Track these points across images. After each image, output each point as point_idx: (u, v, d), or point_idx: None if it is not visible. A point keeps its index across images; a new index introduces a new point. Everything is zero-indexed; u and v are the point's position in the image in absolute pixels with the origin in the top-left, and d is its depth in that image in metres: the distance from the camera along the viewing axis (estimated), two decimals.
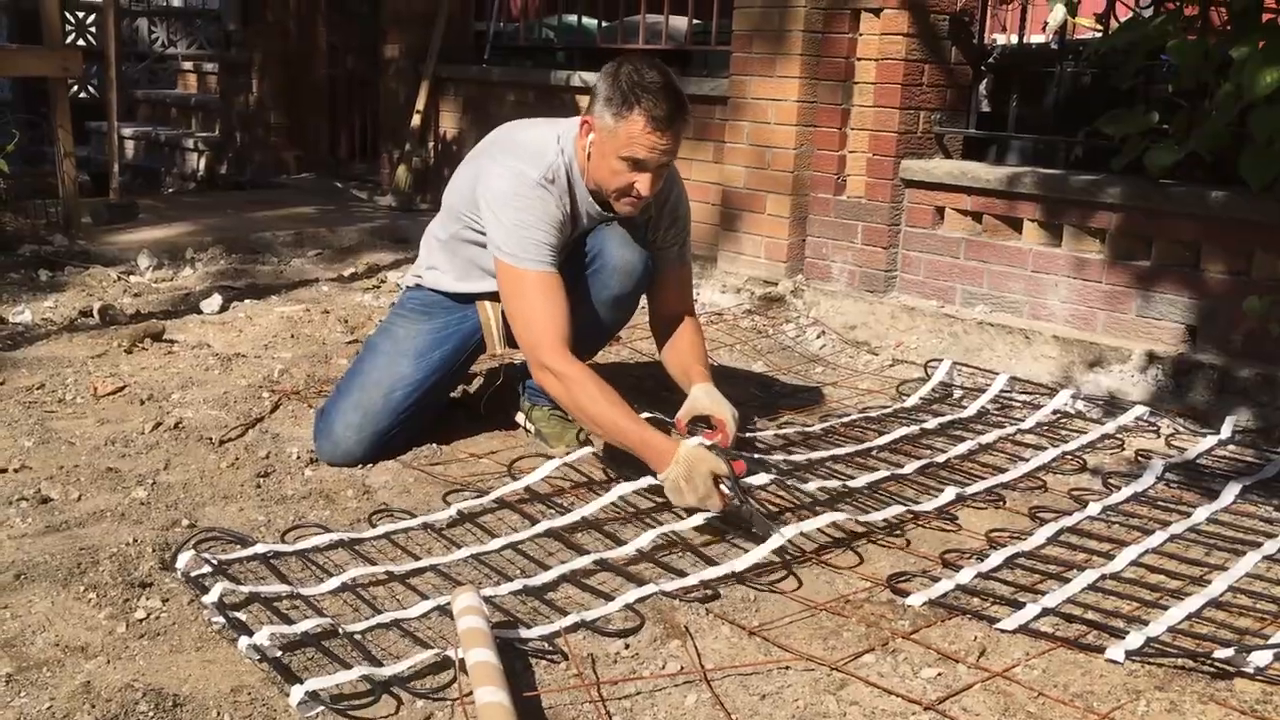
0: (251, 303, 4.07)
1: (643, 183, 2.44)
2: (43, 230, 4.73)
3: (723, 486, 2.25)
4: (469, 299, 2.70)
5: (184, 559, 2.02)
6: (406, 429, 2.67)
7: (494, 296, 2.63)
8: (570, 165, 2.52)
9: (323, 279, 4.53)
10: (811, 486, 2.49)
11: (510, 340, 2.66)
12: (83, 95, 9.83)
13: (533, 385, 2.79)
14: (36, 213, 4.94)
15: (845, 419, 3.08)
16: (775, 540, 2.19)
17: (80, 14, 10.70)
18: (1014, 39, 3.95)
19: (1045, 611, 2.00)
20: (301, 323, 3.82)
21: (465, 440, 2.82)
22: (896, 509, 2.43)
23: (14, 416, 2.81)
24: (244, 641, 1.76)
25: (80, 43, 10.49)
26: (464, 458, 2.72)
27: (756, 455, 2.68)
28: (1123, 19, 3.46)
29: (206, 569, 2.01)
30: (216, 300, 3.95)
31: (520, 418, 2.92)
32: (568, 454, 2.63)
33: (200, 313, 3.91)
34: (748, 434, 2.87)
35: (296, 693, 1.63)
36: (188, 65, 9.87)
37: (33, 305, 3.85)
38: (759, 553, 2.16)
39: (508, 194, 2.47)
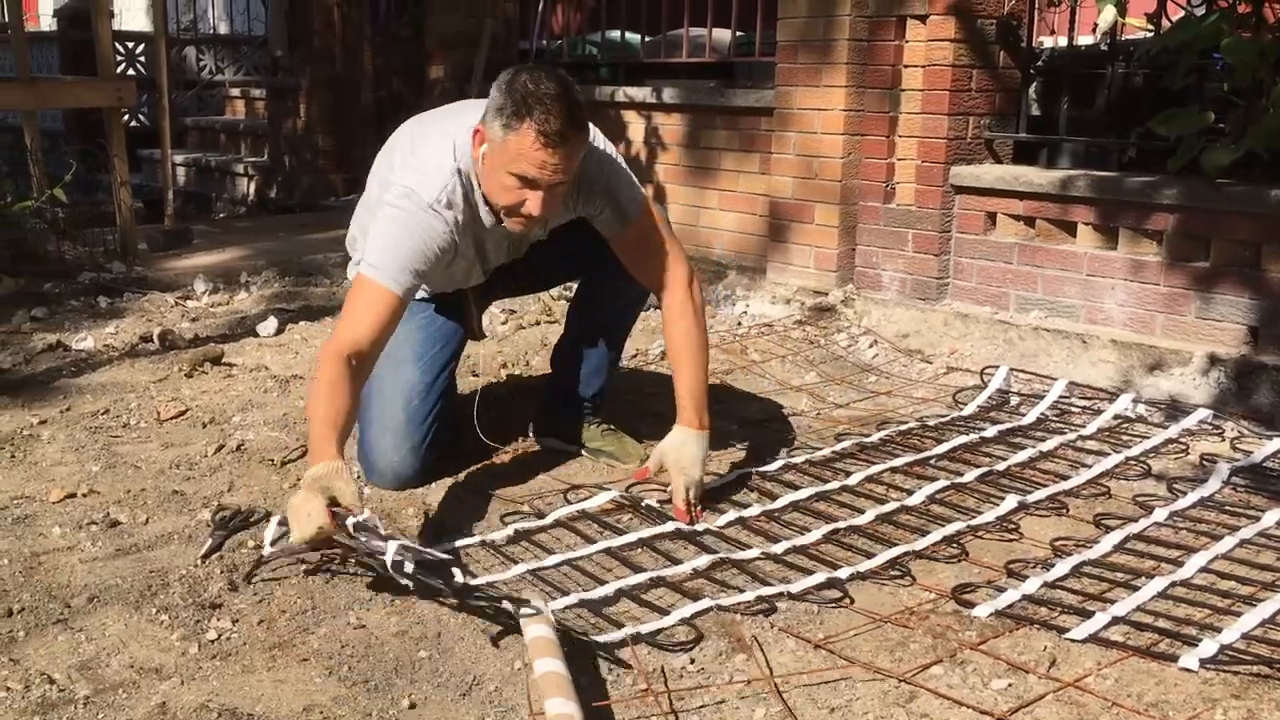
0: (306, 324, 4.12)
1: (533, 201, 2.24)
2: (101, 258, 4.82)
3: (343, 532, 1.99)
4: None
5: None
6: (438, 431, 2.64)
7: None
8: (469, 176, 2.37)
9: None
10: (870, 514, 2.46)
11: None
12: (134, 124, 10.01)
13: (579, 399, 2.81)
14: (94, 240, 5.04)
15: (902, 428, 3.06)
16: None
17: (130, 44, 10.91)
18: (1063, 41, 3.91)
19: (1115, 620, 1.97)
20: None
21: (522, 458, 2.83)
22: (954, 526, 2.40)
23: (81, 441, 2.86)
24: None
25: (130, 72, 10.69)
26: (521, 473, 2.73)
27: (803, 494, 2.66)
28: (1174, 18, 3.43)
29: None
30: (272, 323, 4.00)
31: (552, 442, 2.89)
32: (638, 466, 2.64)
33: (257, 335, 3.96)
34: (801, 457, 2.87)
35: None
36: (235, 92, 10.03)
37: (94, 332, 3.92)
38: (816, 578, 2.15)
39: (395, 214, 2.34)
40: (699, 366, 2.52)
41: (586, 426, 2.85)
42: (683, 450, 2.44)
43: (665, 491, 2.50)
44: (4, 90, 4.81)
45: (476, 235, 2.48)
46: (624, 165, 2.55)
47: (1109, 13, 3.31)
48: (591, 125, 2.37)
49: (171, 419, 3.05)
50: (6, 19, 5.89)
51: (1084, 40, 4.71)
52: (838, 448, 2.91)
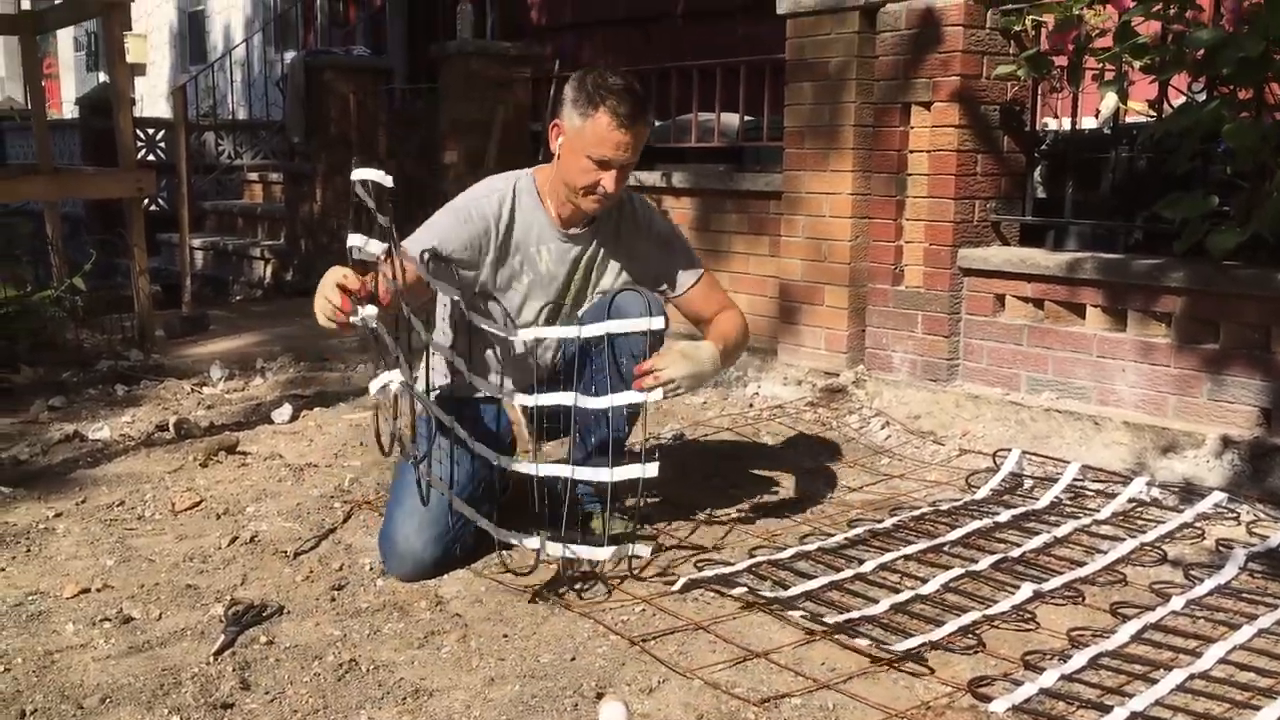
0: (321, 411, 4.15)
1: (608, 180, 2.56)
2: (119, 345, 4.88)
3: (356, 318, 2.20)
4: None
5: None
6: (466, 527, 2.64)
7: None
8: (528, 189, 2.71)
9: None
10: (885, 604, 2.45)
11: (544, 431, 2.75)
12: (154, 208, 10.18)
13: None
14: (112, 327, 5.10)
15: (915, 513, 3.05)
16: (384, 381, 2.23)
17: (150, 130, 11.12)
18: (1066, 123, 3.97)
19: (1134, 716, 1.95)
20: (370, 430, 3.87)
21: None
22: (969, 616, 2.38)
23: (96, 535, 2.87)
24: None
25: (150, 158, 10.88)
26: (534, 563, 2.73)
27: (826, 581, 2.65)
28: (1175, 103, 3.47)
29: None
30: (287, 410, 4.03)
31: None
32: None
33: (272, 422, 3.98)
34: (814, 544, 2.86)
35: None
36: (253, 176, 10.21)
37: (111, 421, 3.96)
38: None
39: (444, 209, 2.68)
40: (731, 334, 2.81)
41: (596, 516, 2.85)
42: (698, 347, 2.67)
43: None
44: (28, 182, 4.91)
45: (539, 235, 2.72)
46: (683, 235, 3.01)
47: (1111, 99, 3.37)
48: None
49: (186, 510, 3.06)
50: (30, 105, 6.04)
51: (1087, 122, 4.78)
52: (851, 534, 2.90)
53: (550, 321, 2.76)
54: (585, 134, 2.53)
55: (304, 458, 3.58)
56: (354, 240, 2.27)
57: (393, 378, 2.23)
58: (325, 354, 5.01)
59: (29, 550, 2.78)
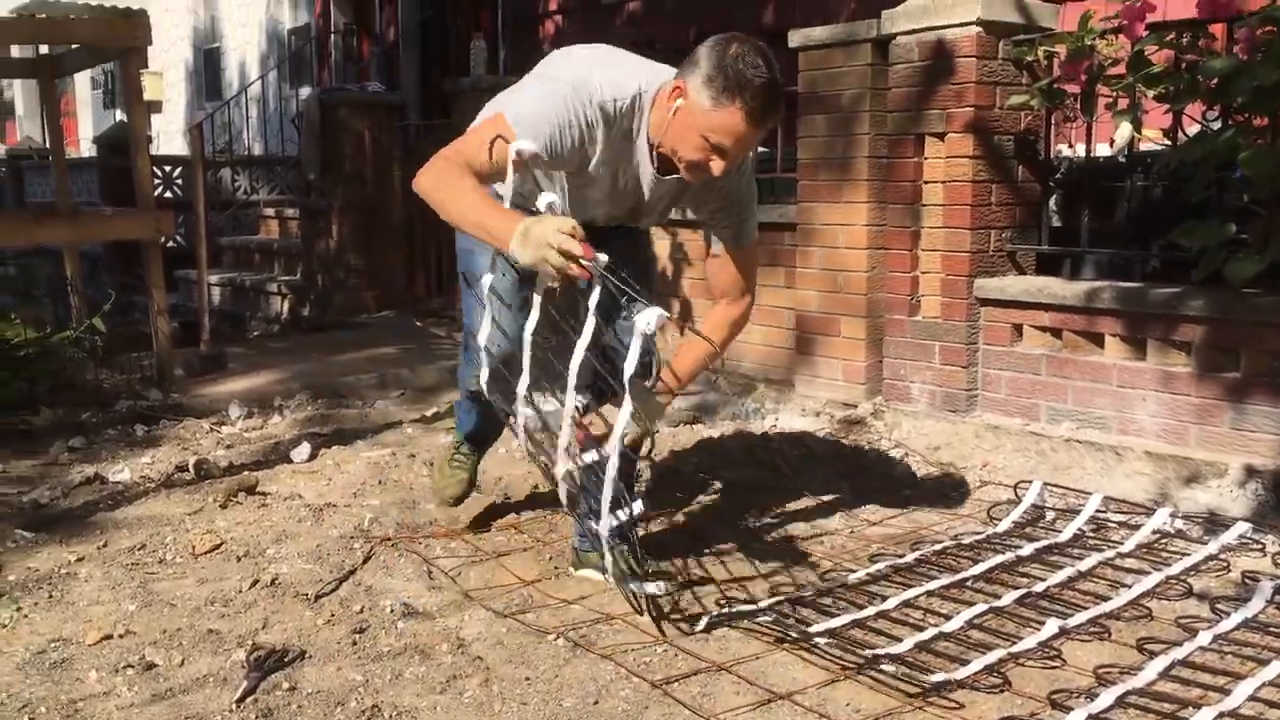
0: (339, 449, 4.16)
1: (718, 165, 2.37)
2: (138, 385, 4.89)
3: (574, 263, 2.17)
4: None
5: None
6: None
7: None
8: (639, 116, 2.45)
9: (406, 421, 4.61)
10: (909, 642, 2.43)
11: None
12: (170, 244, 10.23)
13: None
14: (131, 366, 5.12)
15: (937, 547, 3.03)
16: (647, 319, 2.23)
17: (168, 168, 11.21)
18: (1080, 149, 3.96)
19: None
20: (388, 468, 3.88)
21: (551, 583, 2.83)
22: (995, 654, 2.36)
23: (117, 579, 2.88)
24: None
25: (168, 195, 10.97)
26: (554, 603, 2.72)
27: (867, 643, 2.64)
28: (1189, 130, 3.47)
29: None
30: (306, 449, 4.04)
31: (588, 573, 2.87)
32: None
33: (291, 462, 3.99)
34: (836, 580, 2.85)
35: None
36: (269, 211, 10.27)
37: (131, 462, 3.97)
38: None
39: (557, 88, 2.40)
40: (727, 333, 2.81)
41: (594, 552, 2.84)
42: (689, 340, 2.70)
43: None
44: (48, 225, 4.95)
45: (619, 161, 2.51)
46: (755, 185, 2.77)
47: (1125, 129, 3.36)
48: None
49: (207, 553, 3.07)
50: (49, 146, 6.10)
51: (1102, 148, 4.77)
52: (873, 569, 2.89)
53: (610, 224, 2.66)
54: (711, 119, 2.31)
55: (323, 497, 3.58)
56: (545, 200, 2.34)
57: (654, 315, 2.24)
58: (342, 391, 5.02)
59: (51, 595, 2.78)
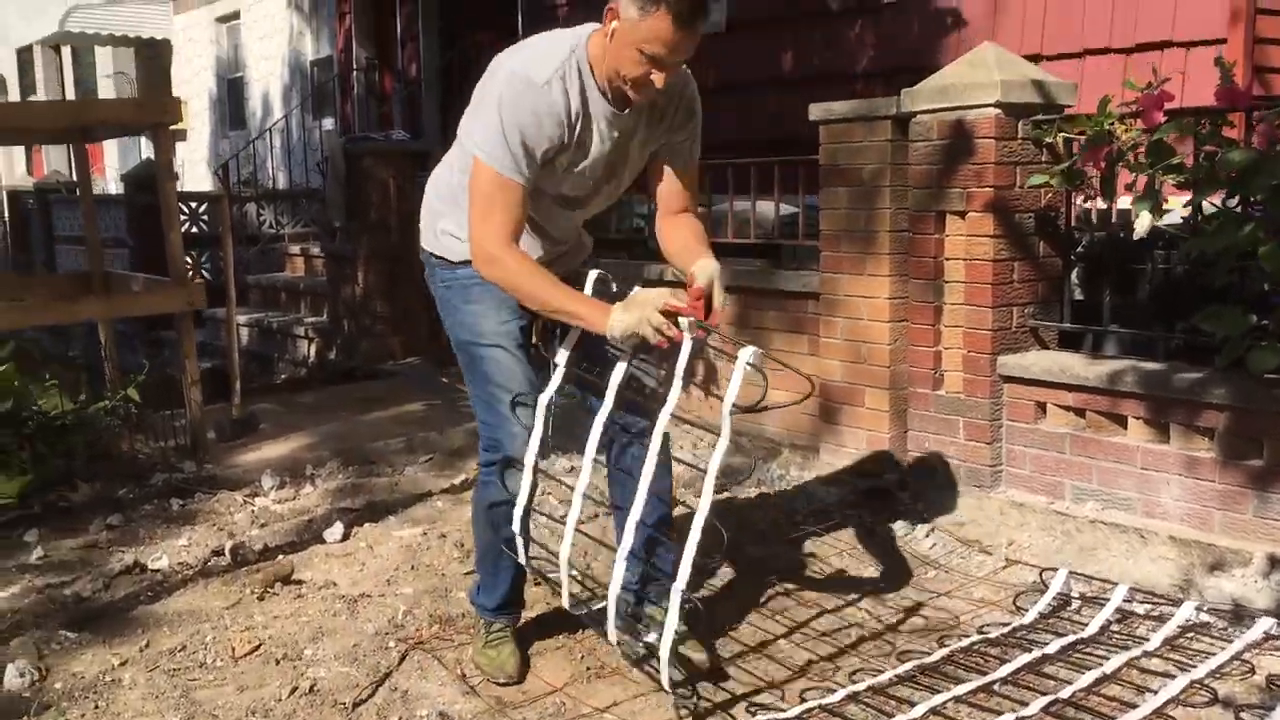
0: (371, 526, 4.22)
1: (658, 76, 2.50)
2: (172, 455, 4.98)
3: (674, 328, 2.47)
4: None
5: None
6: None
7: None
8: (583, 65, 2.60)
9: (435, 491, 4.67)
10: None
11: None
12: (197, 280, 10.33)
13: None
14: (164, 429, 5.18)
15: (964, 643, 3.07)
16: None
17: (193, 204, 11.33)
18: (1103, 204, 3.95)
19: None
20: (420, 550, 3.94)
21: (584, 686, 2.88)
22: None
23: (160, 688, 2.95)
24: None
25: (194, 230, 11.08)
26: (588, 710, 2.78)
27: None
28: (1210, 206, 3.48)
29: None
30: (338, 529, 4.11)
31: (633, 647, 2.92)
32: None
33: (324, 542, 4.06)
34: (863, 683, 2.88)
35: None
36: (295, 250, 10.40)
37: (168, 543, 4.05)
38: None
39: (503, 95, 2.56)
40: (706, 241, 2.83)
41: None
42: (715, 266, 2.67)
43: None
44: (84, 303, 5.07)
45: (592, 118, 2.64)
46: None
47: (1145, 219, 3.39)
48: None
49: (246, 655, 3.13)
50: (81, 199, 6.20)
51: (1123, 202, 4.79)
52: (900, 670, 2.93)
53: (583, 193, 2.81)
54: (641, 29, 2.45)
55: (357, 585, 3.64)
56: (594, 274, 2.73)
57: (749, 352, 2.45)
58: (371, 457, 5.09)
59: (97, 706, 2.86)
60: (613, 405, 2.71)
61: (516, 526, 2.78)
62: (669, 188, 2.88)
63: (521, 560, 2.86)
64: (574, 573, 2.82)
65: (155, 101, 4.66)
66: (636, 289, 2.53)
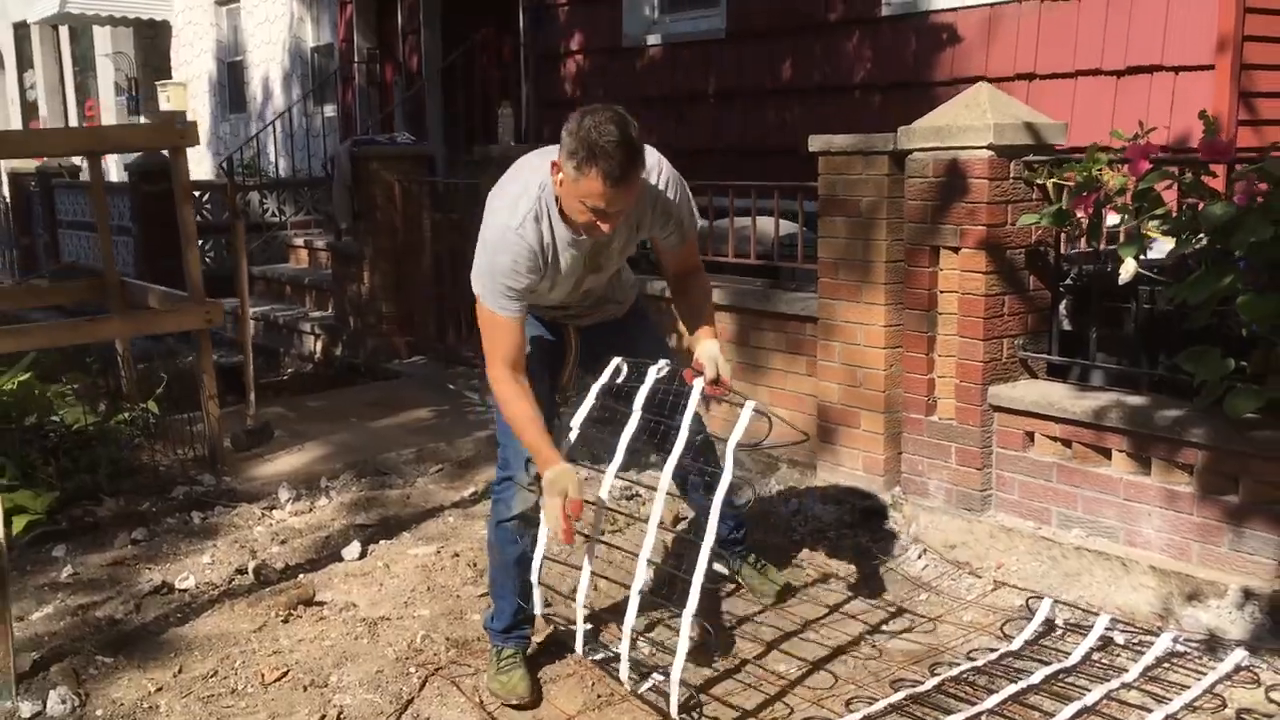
0: (386, 544, 4.39)
1: (604, 225, 2.78)
2: (191, 468, 5.14)
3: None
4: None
5: None
6: None
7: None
8: (549, 201, 2.88)
9: (446, 505, 4.85)
10: None
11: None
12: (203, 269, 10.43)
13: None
14: (182, 436, 5.33)
15: (954, 671, 3.25)
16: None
17: (196, 193, 11.43)
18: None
19: None
20: (434, 570, 4.12)
21: (595, 714, 3.07)
22: None
23: (196, 715, 3.13)
24: None
25: (198, 218, 11.18)
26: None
27: None
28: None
29: None
30: (355, 547, 4.28)
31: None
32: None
33: (342, 560, 4.23)
34: (858, 712, 3.06)
35: None
36: (298, 241, 10.53)
37: (191, 560, 4.22)
38: None
39: (490, 240, 2.91)
40: (710, 307, 3.29)
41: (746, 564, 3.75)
42: (707, 345, 3.11)
43: None
44: (104, 324, 5.21)
45: (556, 248, 2.94)
46: (688, 191, 3.11)
47: (1130, 265, 3.55)
48: (656, 152, 2.95)
49: (274, 681, 3.32)
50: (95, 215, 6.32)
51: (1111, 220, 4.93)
52: (893, 699, 3.12)
53: (569, 289, 3.12)
54: (580, 187, 2.70)
55: (376, 607, 3.82)
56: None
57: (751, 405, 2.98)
58: (383, 468, 5.26)
59: None
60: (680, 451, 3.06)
61: (534, 577, 3.04)
62: (670, 259, 3.25)
63: (537, 611, 3.11)
64: (588, 625, 3.08)
65: (171, 128, 4.77)
66: (560, 472, 2.85)
